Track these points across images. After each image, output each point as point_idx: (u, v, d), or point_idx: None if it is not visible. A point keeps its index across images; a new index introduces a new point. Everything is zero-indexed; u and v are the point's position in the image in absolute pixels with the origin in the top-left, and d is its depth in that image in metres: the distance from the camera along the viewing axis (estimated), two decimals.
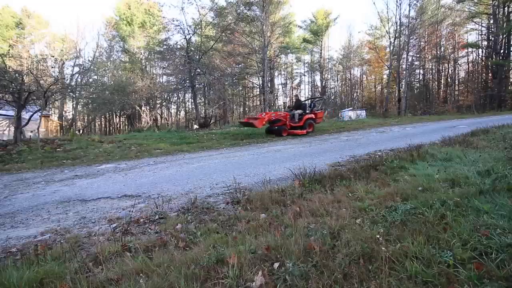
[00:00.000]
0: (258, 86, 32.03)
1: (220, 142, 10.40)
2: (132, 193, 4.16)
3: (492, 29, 27.74)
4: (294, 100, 13.11)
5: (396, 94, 30.30)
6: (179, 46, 19.48)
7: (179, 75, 20.76)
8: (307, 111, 12.13)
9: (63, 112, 29.21)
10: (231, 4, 21.40)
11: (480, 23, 30.79)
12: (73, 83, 21.10)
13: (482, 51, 31.72)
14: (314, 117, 12.11)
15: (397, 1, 27.44)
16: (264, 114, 11.77)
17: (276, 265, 1.77)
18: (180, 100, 32.68)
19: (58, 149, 9.29)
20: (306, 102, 13.34)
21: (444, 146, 5.59)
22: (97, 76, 25.88)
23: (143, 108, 26.11)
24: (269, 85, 27.24)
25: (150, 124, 24.84)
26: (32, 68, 17.02)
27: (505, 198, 2.40)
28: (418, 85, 37.26)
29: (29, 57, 22.03)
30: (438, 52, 33.49)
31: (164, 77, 30.81)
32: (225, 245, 2.09)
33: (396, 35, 27.48)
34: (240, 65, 29.69)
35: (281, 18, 27.66)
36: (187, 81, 20.00)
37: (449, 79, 35.49)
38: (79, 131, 26.67)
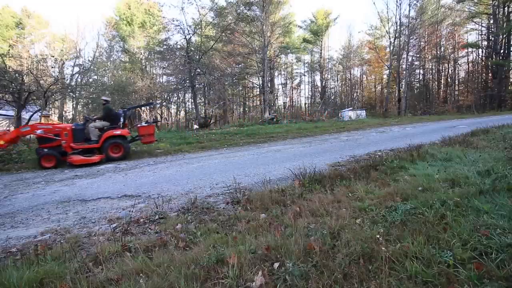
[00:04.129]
0: (258, 86, 32.03)
1: (220, 142, 10.39)
2: (132, 193, 4.16)
3: (492, 29, 27.75)
4: (102, 107, 8.29)
5: (396, 94, 30.32)
6: (179, 46, 19.51)
7: (179, 75, 20.80)
8: (118, 125, 7.75)
9: (63, 112, 29.18)
10: (231, 4, 21.45)
11: (480, 23, 30.81)
12: (73, 83, 21.15)
13: (482, 51, 31.75)
14: (126, 134, 7.68)
15: (397, 1, 27.53)
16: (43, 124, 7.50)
17: (276, 265, 1.76)
18: (180, 100, 32.71)
19: None
20: (123, 110, 8.41)
21: (444, 146, 5.59)
22: (97, 76, 25.89)
23: (143, 108, 26.10)
24: (269, 85, 27.25)
25: None
26: (32, 68, 17.02)
27: (505, 198, 2.40)
28: (418, 85, 37.28)
29: (29, 57, 22.02)
30: (438, 52, 33.51)
31: (164, 77, 30.86)
32: (225, 245, 2.09)
33: (396, 35, 27.49)
34: (240, 65, 29.73)
35: (281, 18, 27.68)
36: (187, 81, 20.03)
37: (449, 79, 35.50)
38: None
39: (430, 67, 35.90)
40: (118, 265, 1.97)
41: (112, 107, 8.14)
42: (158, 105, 29.65)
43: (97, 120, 7.70)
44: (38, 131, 7.04)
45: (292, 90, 43.58)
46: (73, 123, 7.85)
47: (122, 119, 7.94)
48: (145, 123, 8.81)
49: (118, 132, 7.45)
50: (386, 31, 28.78)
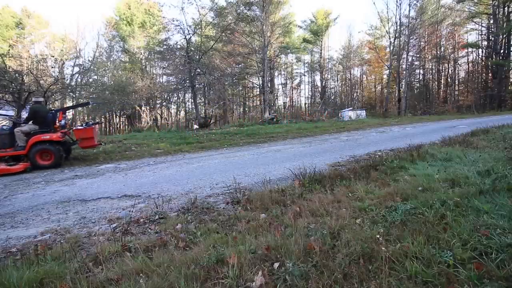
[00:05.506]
0: (258, 86, 32.01)
1: (220, 142, 10.38)
2: (132, 193, 4.16)
3: (492, 29, 27.75)
4: (31, 104, 7.47)
5: (396, 94, 30.32)
6: (179, 46, 19.48)
7: (179, 75, 20.78)
8: (48, 128, 6.87)
9: None
10: (231, 4, 21.43)
11: (480, 23, 30.81)
12: (73, 83, 21.15)
13: (482, 51, 31.75)
14: (56, 139, 6.69)
15: (397, 1, 27.53)
16: None
17: (276, 265, 1.77)
18: (180, 100, 32.69)
19: None
20: (52, 112, 7.37)
21: (444, 146, 5.59)
22: (97, 76, 25.88)
23: (143, 108, 26.10)
24: (269, 85, 27.24)
25: (150, 124, 24.85)
26: (32, 68, 17.02)
27: (505, 198, 2.40)
28: (418, 85, 37.27)
29: (29, 57, 22.01)
30: (438, 52, 33.50)
31: (164, 77, 30.84)
32: (225, 245, 2.09)
33: (396, 35, 27.50)
34: (240, 65, 29.71)
35: (281, 18, 27.67)
36: (187, 81, 20.01)
37: (449, 79, 35.50)
38: None
39: (430, 67, 35.90)
40: (118, 265, 1.97)
41: (39, 108, 7.05)
42: (158, 105, 29.66)
43: (23, 124, 6.89)
44: None
45: (292, 90, 43.58)
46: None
47: (63, 122, 7.22)
48: (84, 125, 7.70)
49: (46, 137, 6.60)
50: (386, 31, 28.79)
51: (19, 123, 6.98)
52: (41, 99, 7.82)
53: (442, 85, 35.97)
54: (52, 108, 8.15)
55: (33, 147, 6.53)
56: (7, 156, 6.53)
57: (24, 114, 11.78)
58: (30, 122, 6.90)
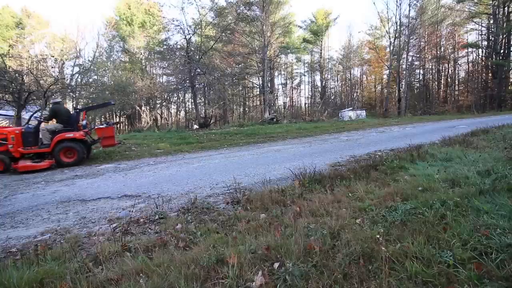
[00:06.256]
0: (258, 86, 32.01)
1: (220, 142, 10.38)
2: (132, 193, 4.16)
3: (492, 29, 27.75)
4: (50, 105, 7.75)
5: (396, 94, 30.32)
6: (179, 46, 19.48)
7: (179, 75, 20.76)
8: (71, 127, 7.16)
9: None
10: (231, 4, 21.40)
11: (480, 23, 30.82)
12: (73, 83, 21.13)
13: (482, 51, 31.77)
14: (79, 137, 7.01)
15: (397, 1, 27.57)
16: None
17: (276, 265, 1.76)
18: (180, 100, 32.66)
19: None
20: (76, 111, 7.65)
21: (444, 146, 5.59)
22: (97, 76, 25.86)
23: (143, 108, 26.10)
24: (269, 85, 27.24)
25: (150, 124, 24.84)
26: (32, 68, 17.03)
27: (505, 198, 2.40)
28: (418, 85, 37.27)
29: (29, 57, 22.00)
30: (438, 52, 33.50)
31: (164, 77, 30.84)
32: (225, 245, 2.09)
33: (396, 35, 27.52)
34: (240, 65, 29.68)
35: (281, 18, 27.69)
36: (187, 81, 20.00)
37: (449, 79, 35.51)
38: None
39: (430, 67, 35.89)
40: (118, 265, 1.97)
41: (59, 108, 7.37)
42: (158, 105, 29.63)
43: (47, 122, 7.13)
44: None
45: (292, 90, 43.58)
46: (25, 126, 7.21)
47: (85, 122, 7.51)
48: (105, 125, 8.11)
49: (70, 135, 6.94)
50: (386, 31, 28.83)
51: (44, 122, 7.30)
52: (59, 100, 8.19)
53: (442, 85, 35.98)
54: (77, 108, 8.50)
55: (58, 145, 6.81)
56: (31, 154, 6.79)
57: (25, 114, 11.81)
58: (55, 121, 7.25)
